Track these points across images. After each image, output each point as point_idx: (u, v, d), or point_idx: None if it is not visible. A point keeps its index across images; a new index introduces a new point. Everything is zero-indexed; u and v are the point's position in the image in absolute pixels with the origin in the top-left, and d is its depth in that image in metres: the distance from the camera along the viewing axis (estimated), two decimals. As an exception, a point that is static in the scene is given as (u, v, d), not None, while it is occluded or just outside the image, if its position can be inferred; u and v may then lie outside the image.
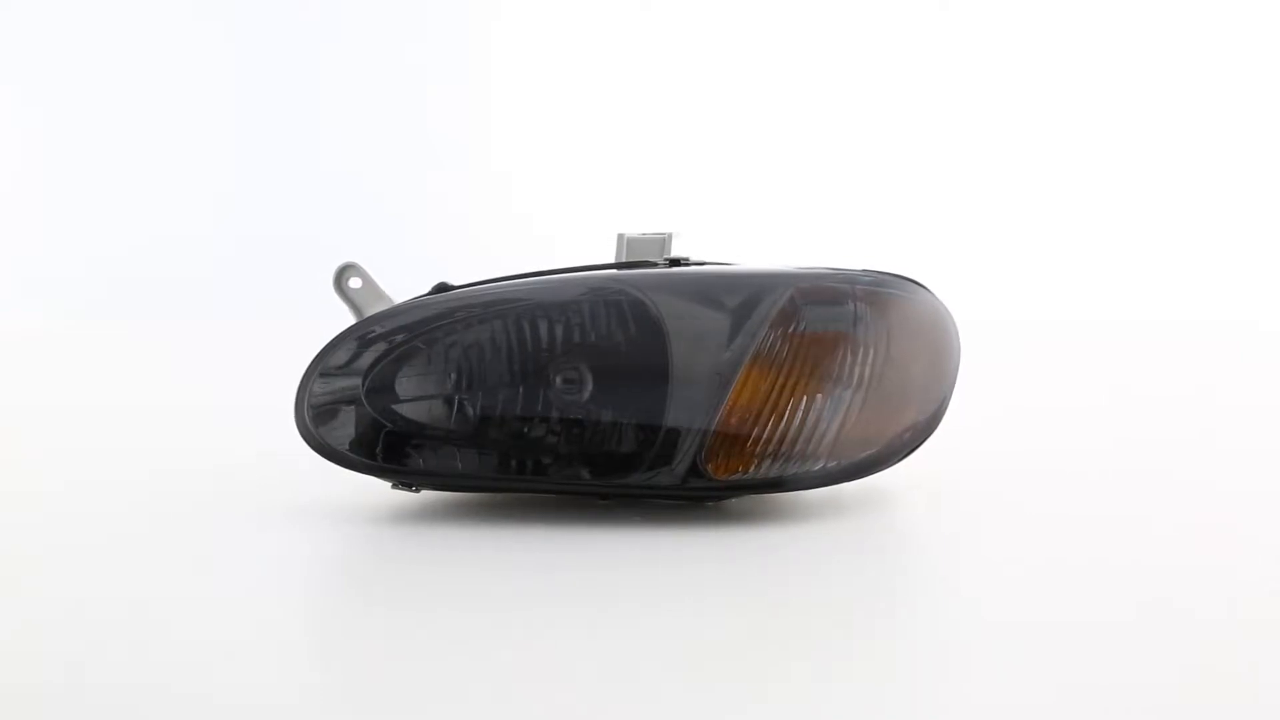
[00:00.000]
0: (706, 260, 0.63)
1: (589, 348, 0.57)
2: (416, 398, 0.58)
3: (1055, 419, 0.99)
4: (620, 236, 0.64)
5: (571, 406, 0.57)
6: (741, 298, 0.57)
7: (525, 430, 0.57)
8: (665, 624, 0.46)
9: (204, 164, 2.48)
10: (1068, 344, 1.70)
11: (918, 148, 2.39)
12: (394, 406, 0.58)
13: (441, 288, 0.60)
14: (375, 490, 0.63)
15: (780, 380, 0.57)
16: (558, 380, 0.57)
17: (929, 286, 0.61)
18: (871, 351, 0.58)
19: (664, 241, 0.63)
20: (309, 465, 0.61)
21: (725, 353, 0.57)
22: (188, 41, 2.49)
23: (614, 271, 0.60)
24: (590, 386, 0.57)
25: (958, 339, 0.63)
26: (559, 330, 0.57)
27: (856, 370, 0.58)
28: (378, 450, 0.58)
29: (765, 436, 0.57)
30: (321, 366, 0.58)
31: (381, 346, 0.58)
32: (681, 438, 0.57)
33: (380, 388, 0.58)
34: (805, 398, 0.57)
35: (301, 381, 0.58)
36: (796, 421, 0.57)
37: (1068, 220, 2.33)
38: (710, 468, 0.57)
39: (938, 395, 0.61)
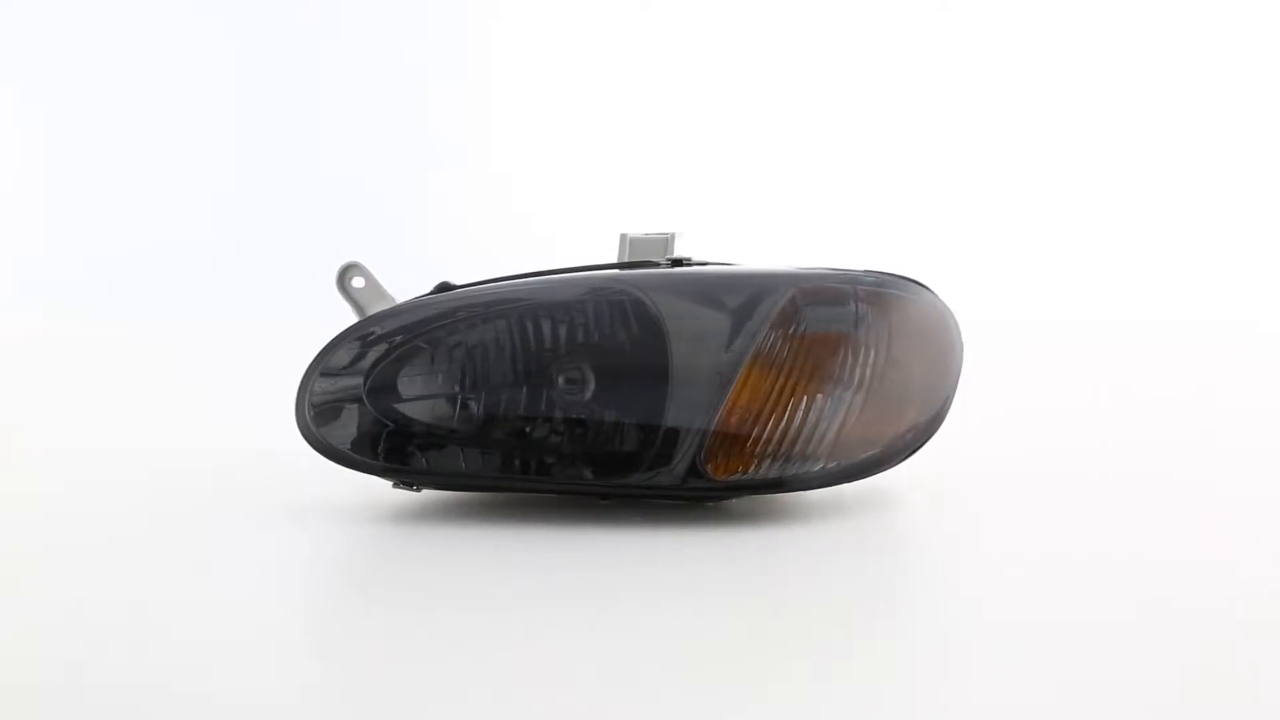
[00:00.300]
0: (709, 260, 0.63)
1: (591, 348, 0.57)
2: (419, 397, 0.58)
3: (1055, 419, 0.99)
4: (623, 236, 0.64)
5: (574, 406, 0.57)
6: (743, 298, 0.57)
7: (528, 430, 0.57)
8: (665, 624, 0.46)
9: (204, 164, 2.48)
10: (1068, 344, 1.70)
11: (918, 148, 2.39)
12: (396, 406, 0.58)
13: (443, 287, 0.60)
14: (376, 490, 0.63)
15: (781, 381, 0.57)
16: (560, 380, 0.57)
17: (931, 287, 0.61)
18: (873, 352, 0.58)
19: (666, 241, 0.63)
20: (309, 465, 0.61)
21: (725, 353, 0.57)
22: (188, 41, 2.49)
23: (615, 271, 0.60)
24: (592, 386, 0.57)
25: (960, 340, 0.62)
26: (562, 330, 0.57)
27: (858, 371, 0.58)
28: (379, 450, 0.58)
29: (765, 437, 0.57)
30: (323, 366, 0.58)
31: (383, 346, 0.58)
32: (681, 438, 0.57)
33: (382, 387, 0.58)
34: (806, 398, 0.57)
35: (302, 381, 0.58)
36: (797, 422, 0.57)
37: (1068, 220, 2.33)
38: (710, 468, 0.57)
39: (939, 396, 0.61)
